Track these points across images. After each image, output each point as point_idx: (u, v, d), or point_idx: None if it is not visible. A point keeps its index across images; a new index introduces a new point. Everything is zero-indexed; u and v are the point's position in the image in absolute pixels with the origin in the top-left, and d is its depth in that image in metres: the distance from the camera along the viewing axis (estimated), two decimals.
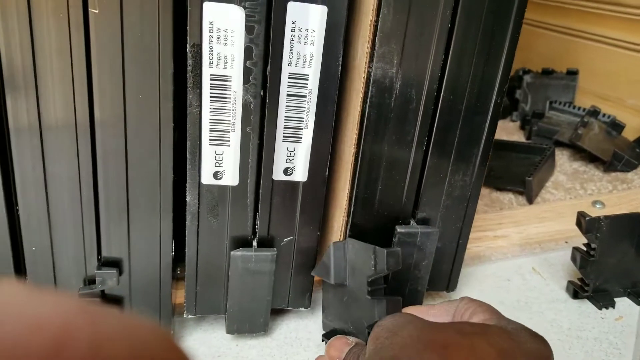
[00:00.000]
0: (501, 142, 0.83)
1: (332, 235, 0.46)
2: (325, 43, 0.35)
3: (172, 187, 0.38)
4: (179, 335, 0.44)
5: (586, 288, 0.52)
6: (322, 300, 0.44)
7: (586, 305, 0.52)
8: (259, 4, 0.33)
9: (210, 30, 0.33)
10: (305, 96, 0.37)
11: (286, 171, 0.39)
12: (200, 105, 0.35)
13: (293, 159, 0.39)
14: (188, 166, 0.37)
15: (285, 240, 0.42)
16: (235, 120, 0.36)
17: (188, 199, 0.38)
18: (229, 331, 0.43)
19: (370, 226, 0.42)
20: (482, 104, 0.40)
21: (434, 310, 0.36)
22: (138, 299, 0.41)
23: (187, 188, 0.38)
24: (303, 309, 0.46)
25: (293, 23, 0.34)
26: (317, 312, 0.47)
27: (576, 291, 0.52)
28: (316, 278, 0.45)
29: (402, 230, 0.42)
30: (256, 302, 0.42)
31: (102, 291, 0.40)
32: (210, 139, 0.37)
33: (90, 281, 0.39)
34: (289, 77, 0.36)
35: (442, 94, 0.39)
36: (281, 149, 0.38)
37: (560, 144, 0.90)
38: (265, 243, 0.41)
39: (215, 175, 0.38)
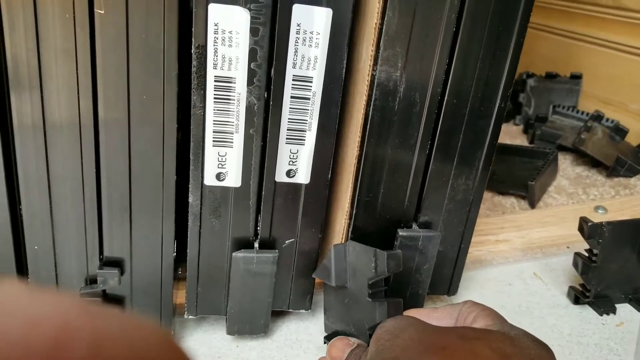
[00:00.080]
0: (504, 146, 0.83)
1: (334, 237, 0.46)
2: (330, 46, 0.35)
3: (175, 187, 0.38)
4: (180, 336, 0.45)
5: (587, 294, 0.51)
6: (324, 302, 0.44)
7: (587, 311, 0.52)
8: (264, 6, 0.33)
9: (215, 32, 0.33)
10: (309, 98, 0.37)
11: (289, 173, 0.39)
12: (204, 107, 0.35)
13: (296, 161, 0.39)
14: (191, 167, 0.37)
15: (287, 242, 0.42)
16: (238, 122, 0.36)
17: (190, 199, 0.38)
18: (229, 332, 0.43)
19: (372, 229, 0.42)
20: (486, 108, 0.40)
21: (436, 314, 0.36)
22: (139, 299, 0.41)
23: (190, 189, 0.38)
24: (304, 311, 0.46)
25: (298, 25, 0.34)
26: (318, 315, 0.47)
27: (577, 297, 0.52)
28: (317, 280, 0.45)
29: (404, 233, 0.42)
30: (257, 304, 0.42)
31: (104, 291, 0.40)
32: (213, 140, 0.37)
33: (91, 281, 0.40)
34: (293, 80, 0.36)
35: (446, 97, 0.39)
36: (284, 151, 0.38)
37: (563, 149, 0.89)
38: (267, 245, 0.41)
39: (218, 177, 0.38)
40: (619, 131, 0.87)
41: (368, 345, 0.40)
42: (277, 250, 0.41)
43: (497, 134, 0.41)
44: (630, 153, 0.85)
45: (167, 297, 0.42)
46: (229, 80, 0.35)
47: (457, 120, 0.40)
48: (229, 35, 0.34)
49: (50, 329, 0.10)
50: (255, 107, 0.36)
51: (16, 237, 0.38)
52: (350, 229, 0.42)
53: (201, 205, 0.39)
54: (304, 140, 0.38)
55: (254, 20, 0.33)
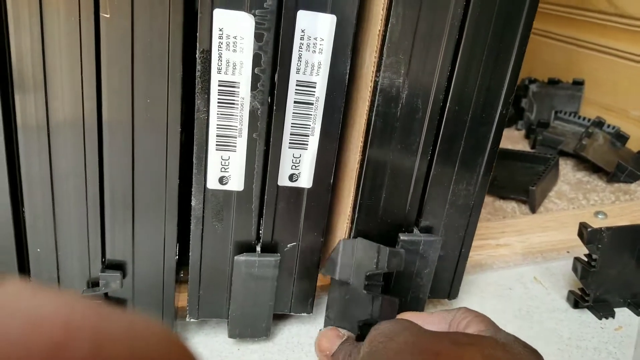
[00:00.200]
0: (506, 151, 0.83)
1: (335, 241, 0.46)
2: (334, 52, 0.36)
3: (178, 191, 0.38)
4: (185, 339, 0.45)
5: (587, 298, 0.52)
6: (327, 298, 0.45)
7: (586, 315, 0.52)
8: (269, 12, 0.34)
9: (220, 37, 0.34)
10: (312, 104, 0.37)
11: (291, 177, 0.39)
12: (207, 111, 0.36)
13: (298, 166, 0.39)
14: (194, 170, 0.38)
15: (288, 245, 0.42)
16: (242, 126, 0.37)
17: (193, 203, 0.39)
18: (231, 335, 0.43)
19: (374, 233, 0.43)
20: (488, 115, 0.40)
21: (431, 318, 0.37)
22: (141, 301, 0.41)
23: (193, 192, 0.38)
24: (305, 314, 0.46)
25: (302, 31, 0.35)
26: (319, 318, 0.47)
27: (577, 301, 0.52)
28: (319, 283, 0.45)
29: (405, 238, 0.42)
30: (259, 307, 0.42)
31: (106, 294, 0.40)
32: (217, 144, 0.37)
33: (94, 283, 0.40)
34: (297, 85, 0.36)
35: (448, 104, 0.39)
36: (287, 155, 0.38)
37: (564, 154, 0.90)
38: (269, 248, 0.42)
39: (221, 180, 0.38)
40: (620, 137, 0.87)
41: (356, 338, 0.40)
42: (279, 254, 0.41)
43: (499, 140, 0.41)
44: (630, 159, 0.85)
45: (169, 300, 0.42)
46: (232, 84, 0.35)
47: (459, 126, 0.40)
48: (233, 40, 0.34)
49: (51, 328, 0.10)
50: (259, 112, 0.36)
51: (18, 239, 0.38)
52: (352, 233, 0.43)
53: (204, 208, 0.39)
54: (307, 144, 0.38)
55: (258, 25, 0.34)
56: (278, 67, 0.35)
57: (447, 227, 0.44)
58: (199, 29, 0.34)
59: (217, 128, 0.36)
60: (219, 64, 0.34)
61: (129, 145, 0.36)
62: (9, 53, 0.32)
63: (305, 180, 0.40)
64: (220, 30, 0.34)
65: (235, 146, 0.37)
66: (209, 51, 0.34)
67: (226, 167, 0.38)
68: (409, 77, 0.37)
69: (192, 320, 0.43)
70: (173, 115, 0.36)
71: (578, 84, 1.02)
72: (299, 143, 0.38)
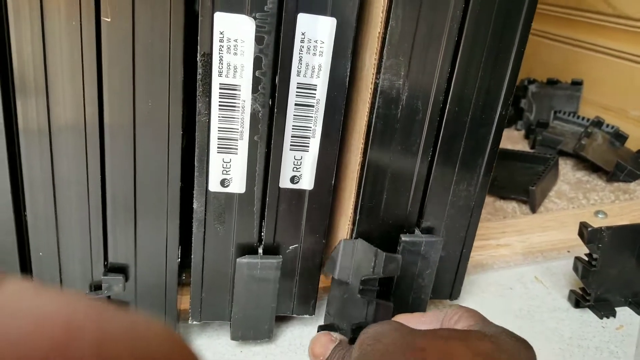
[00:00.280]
0: (505, 151, 0.83)
1: (337, 243, 0.46)
2: (334, 54, 0.36)
3: (180, 193, 0.38)
4: (188, 340, 0.45)
5: (587, 297, 0.52)
6: (328, 295, 0.45)
7: (587, 315, 0.52)
8: (270, 15, 0.34)
9: (221, 40, 0.34)
10: (313, 106, 0.37)
11: (293, 179, 0.39)
12: (209, 114, 0.36)
13: (300, 168, 0.39)
14: (196, 173, 0.38)
15: (290, 247, 0.42)
16: (243, 129, 0.37)
17: (195, 205, 0.39)
18: (233, 338, 0.43)
19: (375, 235, 0.43)
20: (487, 116, 0.40)
21: (424, 318, 0.38)
22: (143, 304, 0.41)
23: (195, 195, 0.38)
24: (307, 316, 0.46)
25: (302, 34, 0.35)
26: (321, 320, 0.47)
27: (578, 300, 0.52)
28: (321, 285, 0.45)
29: (407, 239, 0.42)
30: (261, 309, 0.42)
31: (108, 297, 0.40)
32: (218, 147, 0.37)
33: (96, 287, 0.40)
34: (298, 87, 0.36)
35: (447, 105, 0.39)
36: (288, 157, 0.38)
37: (564, 154, 0.90)
38: (271, 250, 0.42)
39: (223, 183, 0.38)
40: (619, 137, 0.88)
41: (349, 341, 0.41)
42: (280, 256, 0.41)
43: (498, 141, 0.41)
44: (629, 159, 0.85)
45: (171, 303, 0.42)
46: (233, 87, 0.35)
47: (459, 127, 0.40)
48: (234, 43, 0.34)
49: (52, 328, 0.10)
50: (260, 115, 0.36)
51: (21, 242, 0.38)
52: (353, 235, 0.43)
53: (205, 211, 0.39)
54: (308, 147, 0.38)
55: (259, 28, 0.34)
56: (279, 70, 0.36)
57: (448, 228, 0.44)
58: (200, 33, 0.34)
59: (219, 131, 0.36)
60: (220, 67, 0.35)
61: (131, 148, 0.36)
62: (10, 57, 0.33)
63: (307, 182, 0.40)
64: (221, 33, 0.34)
65: (236, 149, 0.37)
66: (210, 54, 0.34)
67: (228, 169, 0.38)
68: (409, 79, 0.37)
69: (194, 322, 0.43)
70: (174, 119, 0.36)
71: (577, 84, 1.02)
72: (300, 145, 0.38)
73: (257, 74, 0.35)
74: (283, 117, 0.37)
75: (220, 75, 0.35)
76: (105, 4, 0.32)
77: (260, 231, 0.41)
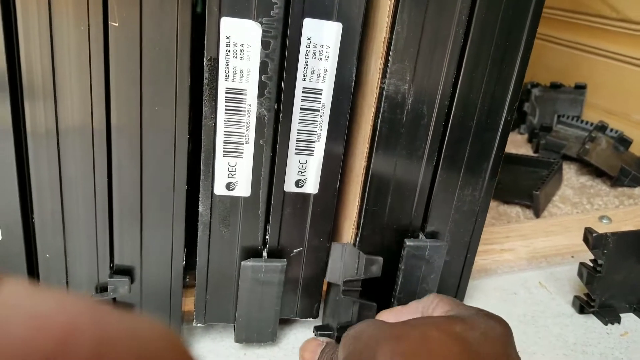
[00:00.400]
0: (509, 155, 0.83)
1: None
2: (340, 59, 0.36)
3: (185, 196, 0.38)
4: (188, 343, 0.45)
5: (592, 303, 0.52)
6: (327, 297, 0.46)
7: (592, 321, 0.52)
8: (276, 20, 0.34)
9: (227, 45, 0.34)
10: (318, 110, 0.37)
11: (298, 183, 0.40)
12: (215, 118, 0.36)
13: (305, 172, 0.39)
14: (201, 176, 0.38)
15: (295, 251, 0.42)
16: (249, 133, 0.37)
17: (200, 208, 0.39)
18: (237, 340, 0.44)
19: (380, 239, 0.43)
20: (492, 121, 0.40)
21: (405, 309, 0.38)
22: (148, 306, 0.42)
23: (200, 198, 0.39)
24: (311, 319, 0.46)
25: (308, 39, 0.35)
26: None
27: (582, 306, 0.52)
28: (324, 289, 0.45)
29: (411, 243, 0.42)
30: (265, 312, 0.42)
31: (114, 299, 0.40)
32: (224, 151, 0.37)
33: (102, 289, 0.40)
34: (303, 92, 0.36)
35: (453, 110, 0.39)
36: (293, 161, 0.39)
37: (567, 158, 0.90)
38: (275, 254, 0.42)
39: (228, 186, 0.38)
40: (623, 141, 0.88)
41: (336, 340, 0.43)
42: (285, 259, 0.41)
43: (504, 145, 0.41)
44: (634, 163, 0.85)
45: (176, 305, 0.42)
46: (240, 92, 0.36)
47: (464, 132, 0.40)
48: (240, 48, 0.34)
49: (52, 328, 0.10)
50: (266, 119, 0.37)
51: (28, 244, 0.38)
52: (357, 239, 0.43)
53: (211, 214, 0.39)
54: (313, 151, 0.39)
55: (265, 33, 0.34)
56: (285, 75, 0.36)
57: (453, 233, 0.44)
58: (207, 37, 0.34)
59: (225, 134, 0.37)
60: (227, 71, 0.35)
61: (138, 151, 0.36)
62: (19, 61, 0.33)
63: (312, 186, 0.40)
64: (228, 38, 0.34)
65: (242, 152, 0.37)
66: (217, 59, 0.34)
67: (233, 173, 0.38)
68: (414, 84, 0.38)
69: (198, 324, 0.43)
70: (181, 122, 0.36)
71: (580, 87, 1.02)
72: (305, 149, 0.38)
73: (263, 79, 0.35)
74: (288, 121, 0.37)
75: (226, 80, 0.35)
76: (113, 9, 0.32)
77: (264, 234, 0.41)
